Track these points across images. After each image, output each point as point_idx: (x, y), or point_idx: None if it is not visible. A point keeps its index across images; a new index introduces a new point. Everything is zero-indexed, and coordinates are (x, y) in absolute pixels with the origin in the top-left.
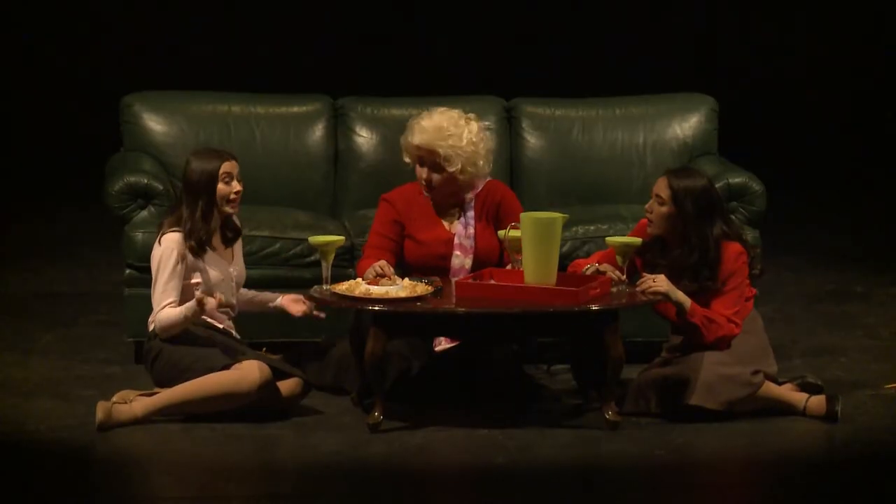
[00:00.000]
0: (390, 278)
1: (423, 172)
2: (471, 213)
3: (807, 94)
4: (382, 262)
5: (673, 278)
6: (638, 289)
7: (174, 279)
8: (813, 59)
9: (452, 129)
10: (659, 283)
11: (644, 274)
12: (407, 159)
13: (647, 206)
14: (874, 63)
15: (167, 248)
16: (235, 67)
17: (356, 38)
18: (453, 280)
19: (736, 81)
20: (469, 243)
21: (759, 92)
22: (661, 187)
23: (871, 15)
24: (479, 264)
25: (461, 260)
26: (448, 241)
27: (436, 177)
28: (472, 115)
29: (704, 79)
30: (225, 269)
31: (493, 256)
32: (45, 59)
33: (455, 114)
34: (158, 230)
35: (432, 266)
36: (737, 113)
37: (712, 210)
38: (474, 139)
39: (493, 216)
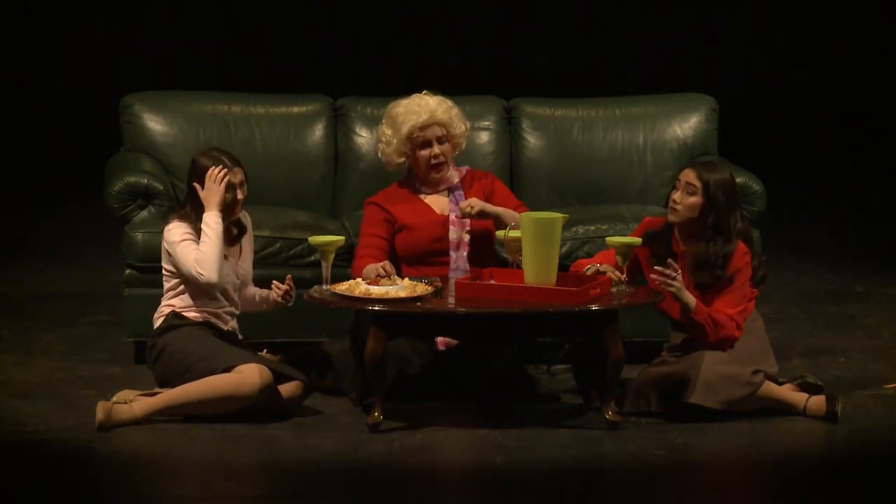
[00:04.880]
0: (390, 278)
1: (430, 151)
2: (460, 192)
3: (807, 94)
4: (385, 263)
5: (694, 269)
6: (655, 275)
7: (192, 245)
8: (813, 59)
9: (440, 100)
10: (677, 280)
11: (669, 262)
12: (399, 158)
13: (674, 195)
14: (874, 62)
15: (176, 230)
16: (235, 67)
17: (356, 38)
18: (452, 279)
19: (736, 81)
20: (465, 218)
21: (759, 92)
22: (692, 177)
23: (871, 15)
24: (475, 238)
25: (458, 233)
26: (443, 223)
27: (444, 148)
28: (427, 91)
29: (704, 79)
30: (230, 267)
31: (484, 232)
32: (44, 59)
33: (419, 94)
34: (165, 224)
35: (431, 251)
36: (737, 113)
37: (737, 202)
38: (448, 101)
39: (489, 192)
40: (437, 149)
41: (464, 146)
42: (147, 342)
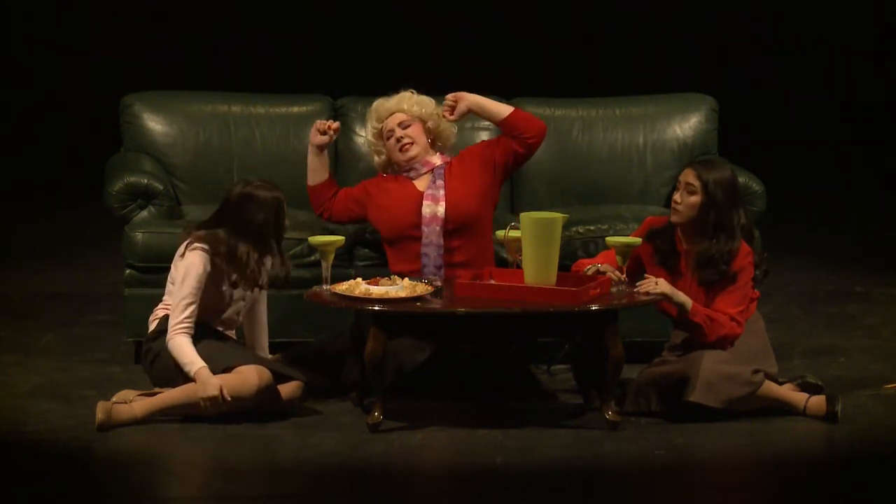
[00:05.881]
0: (332, 131)
1: (394, 136)
2: (441, 171)
3: (807, 94)
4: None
5: (698, 267)
6: (639, 290)
7: (196, 297)
8: (814, 59)
9: (410, 93)
10: (660, 286)
11: (646, 275)
12: (379, 157)
13: (675, 196)
14: (874, 61)
15: (197, 262)
16: (235, 67)
17: (356, 38)
18: (425, 255)
19: (736, 81)
20: (439, 193)
21: (759, 92)
22: (691, 177)
23: (871, 14)
24: (453, 216)
25: (432, 208)
26: (419, 195)
27: (407, 131)
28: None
29: (704, 79)
30: (244, 291)
31: (467, 210)
32: (44, 59)
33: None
34: (185, 236)
35: (406, 224)
36: (737, 113)
37: (738, 199)
38: (423, 96)
39: (470, 155)
40: (398, 132)
41: (445, 131)
42: (142, 345)
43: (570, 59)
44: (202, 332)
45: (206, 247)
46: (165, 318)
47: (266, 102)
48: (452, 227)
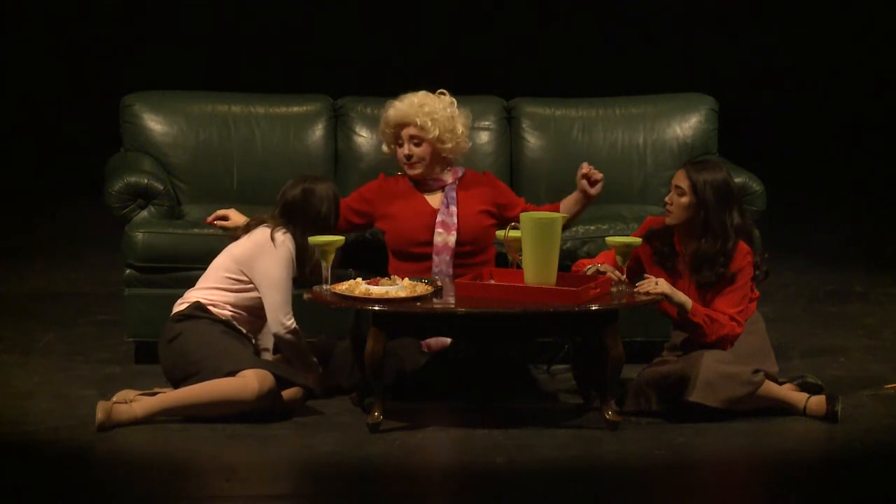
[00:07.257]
0: (229, 219)
1: (403, 150)
2: (452, 194)
3: (807, 94)
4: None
5: (694, 269)
6: (639, 290)
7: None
8: (813, 59)
9: (427, 101)
10: (660, 286)
11: (645, 275)
12: (385, 148)
13: (666, 198)
14: (874, 62)
15: (290, 248)
16: (235, 67)
17: (356, 38)
18: (441, 273)
19: (736, 81)
20: (451, 220)
21: (759, 92)
22: (681, 178)
23: (871, 14)
24: (464, 239)
25: (444, 237)
26: (431, 213)
27: (417, 150)
28: (443, 91)
29: (704, 79)
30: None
31: (477, 234)
32: (45, 59)
33: (425, 92)
34: (256, 223)
35: (417, 242)
36: (737, 113)
37: (731, 200)
38: (448, 107)
39: (489, 190)
40: (407, 149)
41: (455, 149)
42: (165, 325)
43: (570, 59)
44: (220, 329)
45: (285, 231)
46: (196, 305)
47: (266, 102)
48: (461, 248)
